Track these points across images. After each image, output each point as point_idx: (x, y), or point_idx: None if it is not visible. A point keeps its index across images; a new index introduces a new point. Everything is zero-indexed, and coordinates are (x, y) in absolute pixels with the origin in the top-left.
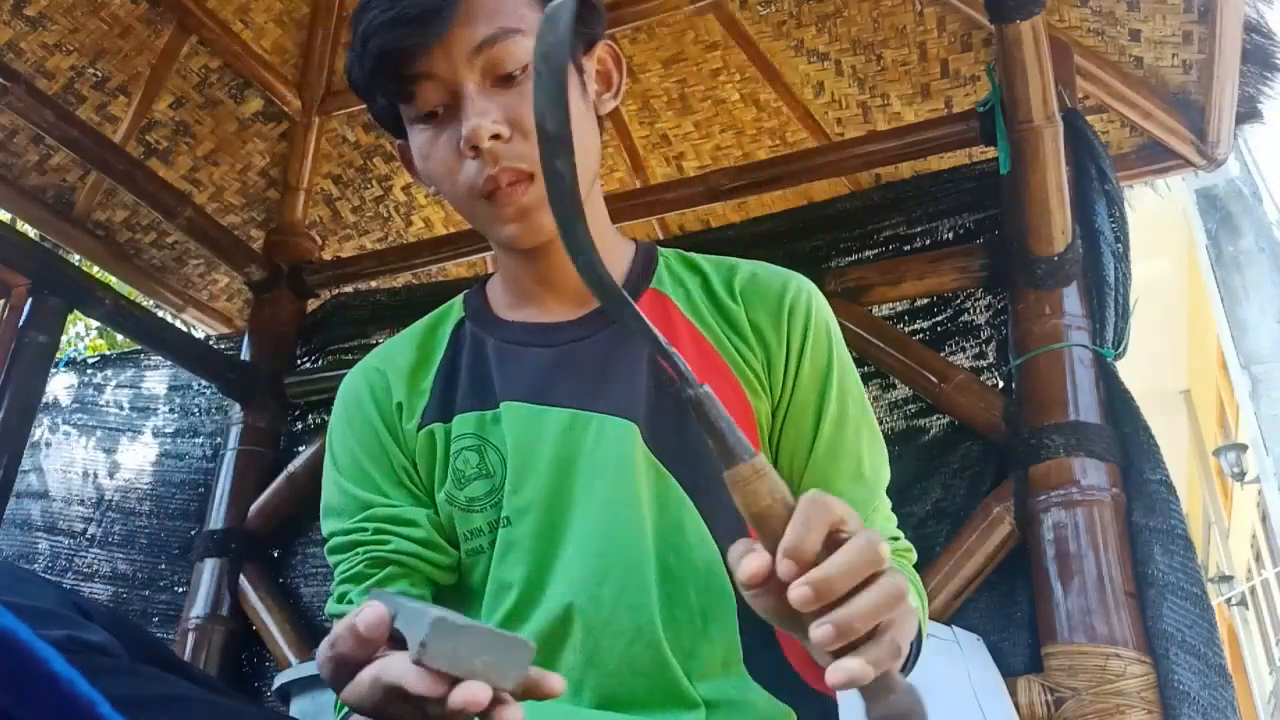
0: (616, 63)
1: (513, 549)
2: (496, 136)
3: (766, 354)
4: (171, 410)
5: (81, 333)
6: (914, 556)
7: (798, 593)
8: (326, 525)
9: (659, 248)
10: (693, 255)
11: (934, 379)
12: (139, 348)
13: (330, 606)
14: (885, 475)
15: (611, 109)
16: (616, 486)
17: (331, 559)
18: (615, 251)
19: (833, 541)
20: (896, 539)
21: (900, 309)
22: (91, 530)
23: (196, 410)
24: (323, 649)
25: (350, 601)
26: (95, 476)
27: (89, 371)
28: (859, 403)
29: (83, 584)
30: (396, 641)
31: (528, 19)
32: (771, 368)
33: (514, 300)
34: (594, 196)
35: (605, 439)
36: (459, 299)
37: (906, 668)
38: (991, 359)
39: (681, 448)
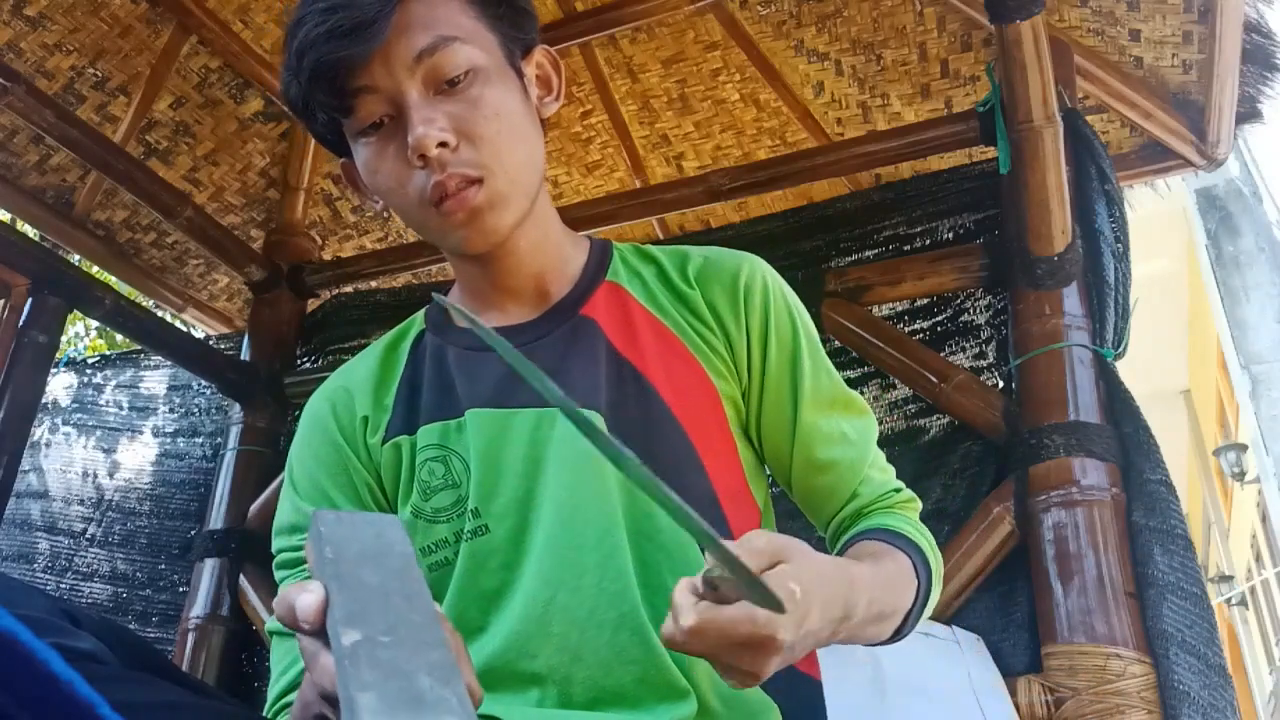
0: (555, 66)
1: (493, 555)
2: (443, 144)
3: (727, 336)
4: (171, 410)
5: (81, 333)
6: (918, 506)
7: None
8: (276, 543)
9: (614, 243)
10: (647, 247)
11: (934, 379)
12: (139, 348)
13: (269, 624)
14: (869, 428)
15: (554, 112)
16: (584, 477)
17: (277, 575)
18: (569, 251)
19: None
20: (898, 490)
21: (900, 309)
22: (91, 530)
23: (196, 410)
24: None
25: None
26: (95, 476)
27: (89, 371)
28: (828, 371)
29: (82, 584)
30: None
31: (464, 26)
32: (734, 350)
33: (473, 308)
34: (541, 200)
35: (570, 431)
36: (421, 313)
37: (904, 628)
38: (991, 359)
39: (646, 433)
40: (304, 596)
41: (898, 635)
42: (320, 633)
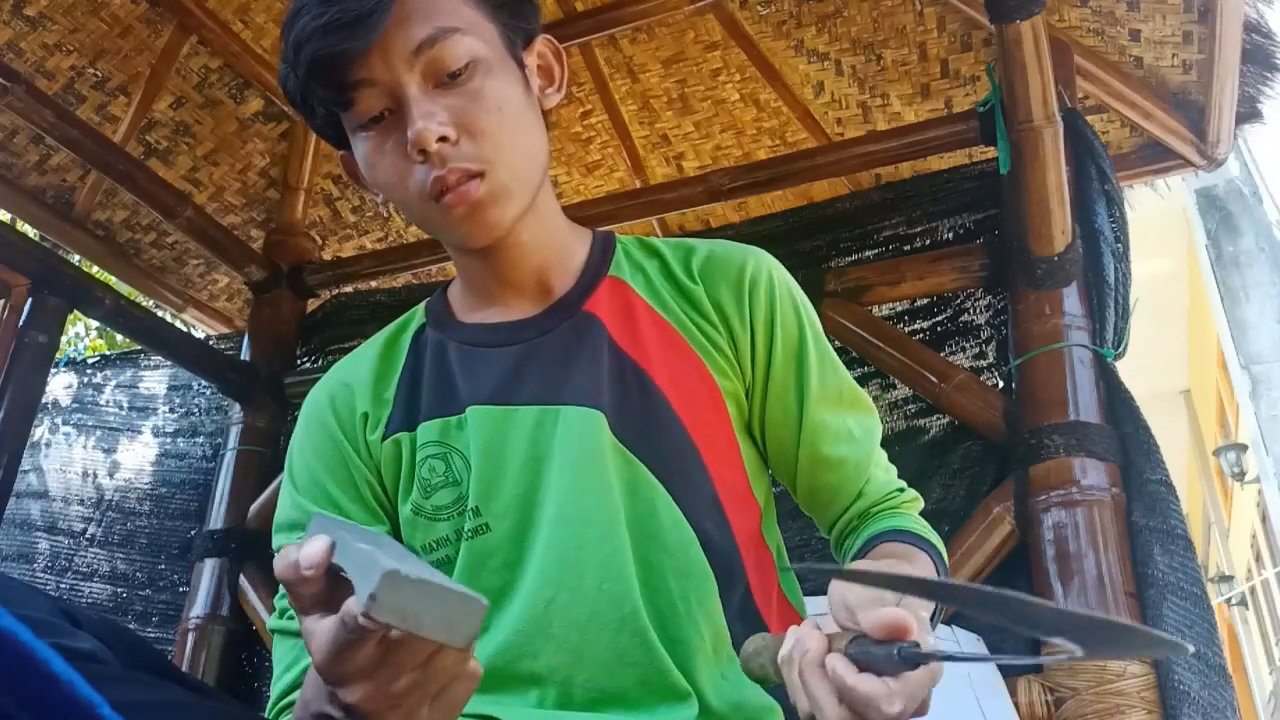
0: (557, 57)
1: (494, 554)
2: (444, 139)
3: (730, 333)
4: (171, 410)
5: (81, 333)
6: (920, 505)
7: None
8: (276, 540)
9: (617, 236)
10: (651, 240)
11: (934, 379)
12: (139, 348)
13: (270, 621)
14: (874, 426)
15: (556, 103)
16: (586, 476)
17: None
18: (571, 244)
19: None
20: (902, 489)
21: (900, 309)
22: (91, 530)
23: (196, 410)
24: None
25: (291, 617)
26: (95, 476)
27: (89, 371)
28: (834, 367)
29: (82, 584)
30: (334, 576)
31: (464, 16)
32: (737, 347)
33: (474, 302)
34: (544, 193)
35: (572, 429)
36: (421, 306)
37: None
38: (991, 359)
39: (649, 432)
40: (309, 543)
41: None
42: (321, 592)
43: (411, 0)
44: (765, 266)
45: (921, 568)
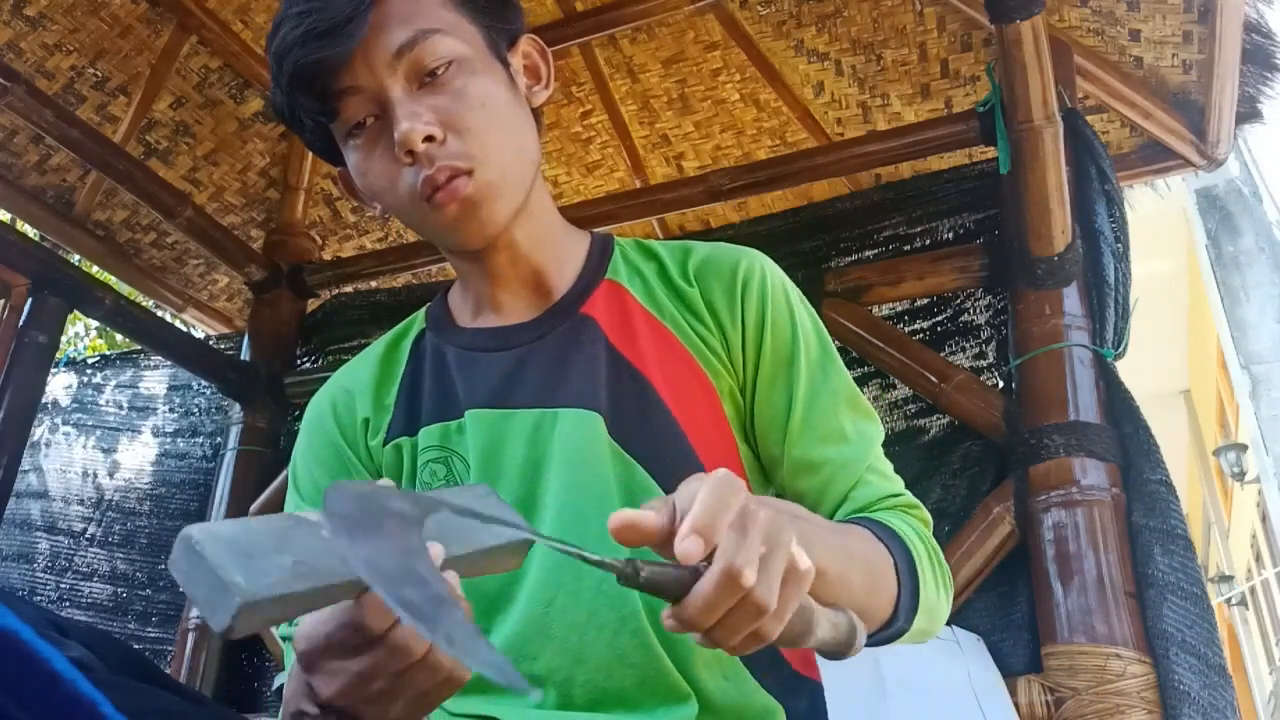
0: (542, 55)
1: None
2: (430, 138)
3: (723, 333)
4: (171, 410)
5: (81, 333)
6: (923, 513)
7: (686, 544)
8: None
9: (615, 238)
10: (649, 242)
11: (934, 379)
12: (139, 348)
13: (282, 629)
14: (873, 430)
15: (544, 100)
16: (585, 478)
17: None
18: (569, 245)
19: None
20: (898, 495)
21: (900, 309)
22: (91, 530)
23: (196, 410)
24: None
25: (296, 624)
26: (95, 476)
27: (89, 371)
28: (831, 367)
29: (82, 584)
30: None
31: (444, 19)
32: (730, 346)
33: (472, 307)
34: (537, 193)
35: (570, 432)
36: (422, 311)
37: (893, 622)
38: (991, 359)
39: (646, 434)
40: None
41: (884, 632)
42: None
43: (390, 5)
44: (758, 266)
45: (848, 541)
